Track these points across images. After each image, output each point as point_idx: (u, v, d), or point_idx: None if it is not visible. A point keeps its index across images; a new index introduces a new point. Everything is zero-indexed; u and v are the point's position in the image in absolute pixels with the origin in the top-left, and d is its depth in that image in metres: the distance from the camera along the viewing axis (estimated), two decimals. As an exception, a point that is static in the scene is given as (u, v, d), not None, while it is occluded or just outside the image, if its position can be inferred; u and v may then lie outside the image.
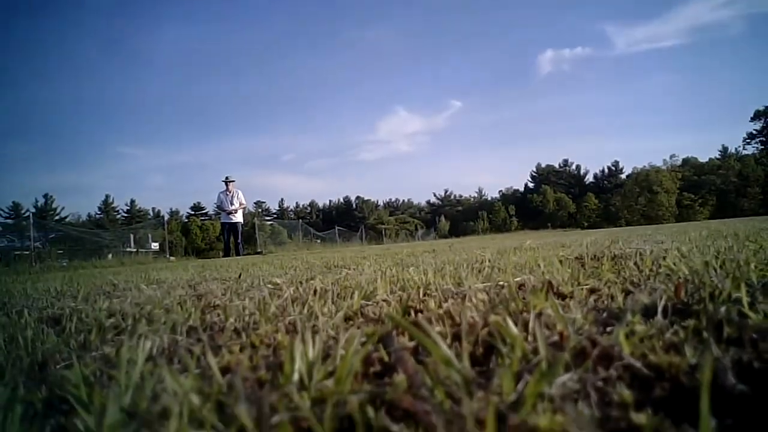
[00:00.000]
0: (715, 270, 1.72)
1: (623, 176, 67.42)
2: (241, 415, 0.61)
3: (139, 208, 63.56)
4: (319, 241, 31.94)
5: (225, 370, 0.97)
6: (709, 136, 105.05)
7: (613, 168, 69.48)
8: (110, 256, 17.58)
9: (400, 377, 0.81)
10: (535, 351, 0.91)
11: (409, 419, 0.67)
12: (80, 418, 0.70)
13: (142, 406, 0.67)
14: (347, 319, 1.46)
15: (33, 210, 48.07)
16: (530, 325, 1.03)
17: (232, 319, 1.57)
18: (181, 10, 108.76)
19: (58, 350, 1.25)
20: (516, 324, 1.01)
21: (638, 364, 0.84)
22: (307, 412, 0.67)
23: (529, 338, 1.01)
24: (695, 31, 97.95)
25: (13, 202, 53.82)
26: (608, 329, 1.10)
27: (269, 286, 2.64)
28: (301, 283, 2.65)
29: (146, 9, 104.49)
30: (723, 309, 1.16)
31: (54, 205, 55.89)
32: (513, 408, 0.67)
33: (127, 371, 0.85)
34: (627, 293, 1.53)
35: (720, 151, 65.46)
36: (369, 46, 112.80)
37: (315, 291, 2.01)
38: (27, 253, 15.87)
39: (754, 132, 64.19)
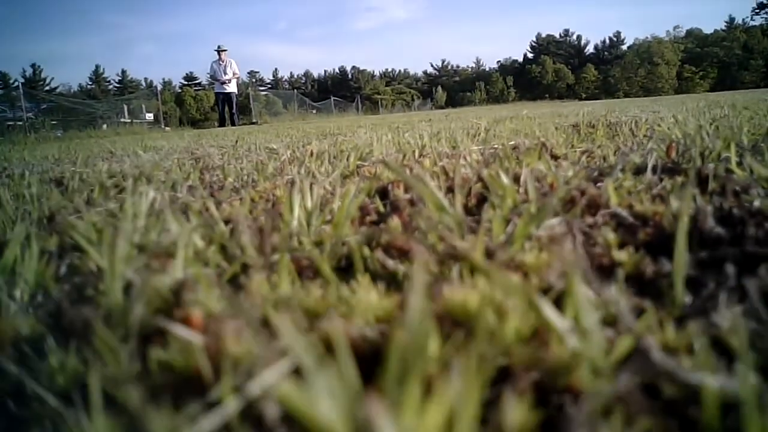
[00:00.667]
0: (708, 134, 1.73)
1: (624, 48, 65.44)
2: (245, 249, 0.65)
3: (131, 78, 61.99)
4: (314, 111, 31.50)
5: (226, 222, 1.00)
6: (717, 7, 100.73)
7: (615, 39, 67.22)
8: (105, 126, 17.39)
9: (395, 222, 0.85)
10: (526, 201, 0.94)
11: (404, 257, 0.71)
12: (92, 259, 0.74)
13: (149, 246, 0.71)
14: (344, 177, 1.49)
15: (21, 80, 46.86)
16: (522, 178, 1.06)
17: (230, 179, 1.60)
18: None
19: (63, 206, 1.28)
20: (508, 178, 1.04)
21: (624, 213, 0.88)
22: (307, 250, 0.70)
23: (521, 191, 1.04)
24: None
25: (0, 72, 52.42)
26: (598, 184, 1.13)
27: (266, 150, 2.66)
28: (297, 147, 2.67)
29: None
30: (711, 166, 1.18)
31: (42, 75, 54.47)
32: (502, 247, 0.71)
33: (132, 221, 0.89)
34: (621, 155, 1.55)
35: (726, 22, 63.08)
36: None
37: (312, 153, 2.03)
38: (20, 123, 15.67)
39: (765, 1, 61.55)
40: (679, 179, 1.12)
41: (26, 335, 0.50)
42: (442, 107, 47.97)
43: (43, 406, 0.41)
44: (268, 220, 0.87)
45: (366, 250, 0.72)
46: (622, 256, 0.69)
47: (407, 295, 0.32)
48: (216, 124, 17.40)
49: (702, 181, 1.09)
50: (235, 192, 1.38)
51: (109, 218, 1.05)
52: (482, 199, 1.03)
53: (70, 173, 2.06)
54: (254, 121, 19.62)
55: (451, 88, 66.39)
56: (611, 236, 0.76)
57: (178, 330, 0.41)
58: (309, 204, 0.92)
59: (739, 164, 1.21)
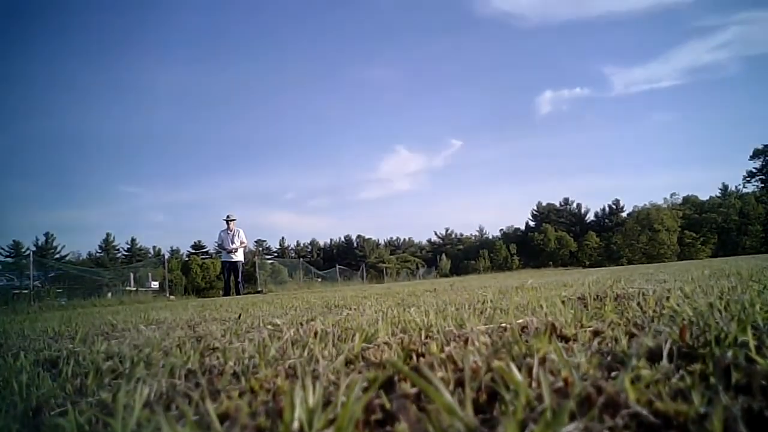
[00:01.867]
0: (720, 312, 1.71)
1: (624, 214, 67.58)
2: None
3: (140, 246, 63.57)
4: (319, 280, 31.82)
5: (223, 417, 0.95)
6: (710, 175, 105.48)
7: (614, 206, 69.69)
8: (110, 294, 17.49)
9: (402, 426, 0.79)
10: (540, 398, 0.89)
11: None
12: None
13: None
14: (348, 362, 1.44)
15: (33, 248, 48.00)
16: (534, 370, 1.01)
17: (231, 363, 1.55)
18: (184, 47, 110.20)
19: (53, 395, 1.23)
20: (519, 369, 1.00)
21: (645, 412, 0.82)
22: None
23: (533, 384, 0.99)
24: (693, 72, 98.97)
25: (14, 241, 53.81)
26: (613, 374, 1.08)
27: (269, 327, 2.62)
28: (301, 324, 2.63)
29: (150, 47, 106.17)
30: (729, 353, 1.14)
31: (54, 243, 55.94)
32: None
33: (123, 418, 0.84)
34: (631, 336, 1.51)
35: (720, 189, 65.81)
36: (371, 86, 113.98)
37: (315, 333, 1.99)
38: (26, 291, 15.81)
39: (754, 170, 64.60)
40: (698, 367, 1.08)
41: None
42: (446, 275, 48.48)
43: None
44: (267, 422, 0.82)
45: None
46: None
47: None
48: (221, 292, 17.47)
49: (722, 372, 1.04)
50: (235, 379, 1.33)
51: (100, 413, 1.00)
52: (493, 394, 0.97)
53: (67, 352, 2.01)
54: (259, 289, 19.77)
55: (455, 255, 67.67)
56: (635, 443, 0.71)
57: None
58: (311, 401, 0.87)
59: (758, 349, 1.17)
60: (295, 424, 0.81)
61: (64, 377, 1.47)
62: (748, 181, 64.77)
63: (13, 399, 1.18)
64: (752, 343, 1.18)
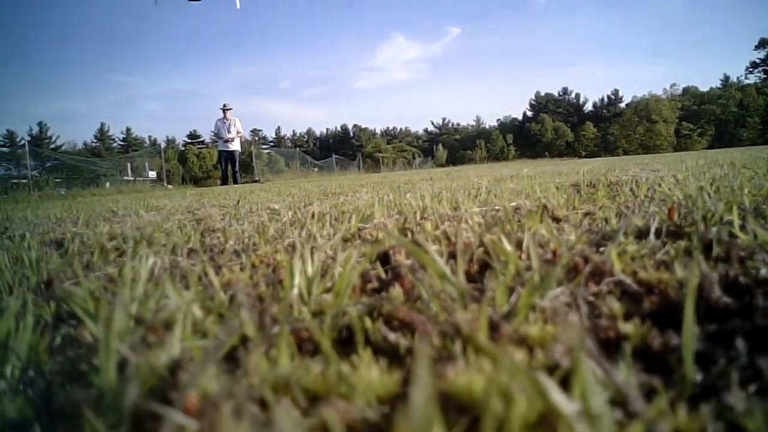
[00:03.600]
0: (709, 195, 1.74)
1: (622, 105, 66.62)
2: (244, 322, 0.63)
3: (135, 136, 62.98)
4: (316, 169, 31.82)
5: (225, 287, 0.99)
6: (712, 65, 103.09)
7: (613, 97, 68.55)
8: (108, 184, 17.53)
9: (396, 290, 0.83)
10: (529, 268, 0.93)
11: (406, 329, 0.70)
12: (88, 329, 0.72)
13: (146, 317, 0.70)
14: (345, 240, 1.48)
15: (28, 138, 47.55)
16: (524, 243, 1.05)
17: (231, 242, 1.59)
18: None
19: (62, 270, 1.27)
20: (510, 243, 1.03)
21: (629, 280, 0.86)
22: (307, 321, 0.69)
23: (523, 256, 1.03)
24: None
25: (8, 130, 53.23)
26: (601, 249, 1.12)
27: (267, 211, 2.66)
28: (299, 208, 2.67)
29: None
30: (714, 230, 1.18)
31: (49, 134, 55.33)
32: (505, 318, 0.69)
33: (130, 288, 0.88)
34: (622, 217, 1.54)
35: (721, 80, 64.43)
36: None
37: (313, 215, 2.03)
38: (24, 181, 15.82)
39: (758, 61, 62.92)
40: (683, 244, 1.11)
41: (12, 419, 0.48)
42: (443, 165, 48.49)
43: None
44: (268, 286, 0.86)
45: (367, 322, 0.70)
46: (628, 328, 0.67)
47: (411, 387, 0.30)
48: (218, 182, 17.54)
49: (706, 247, 1.08)
50: (235, 255, 1.38)
51: (108, 284, 1.04)
52: (484, 265, 1.02)
53: (71, 234, 2.05)
54: (256, 179, 19.80)
55: (452, 146, 67.29)
56: (616, 306, 0.75)
57: (173, 415, 0.40)
58: (310, 271, 0.91)
59: (742, 227, 1.20)
60: (295, 291, 0.85)
61: (71, 255, 1.51)
62: (751, 72, 63.20)
63: (25, 273, 1.23)
64: (737, 222, 1.21)
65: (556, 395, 0.41)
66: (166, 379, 0.52)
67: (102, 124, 62.54)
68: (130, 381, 0.45)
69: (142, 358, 0.51)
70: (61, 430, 0.44)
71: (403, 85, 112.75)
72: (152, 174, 23.50)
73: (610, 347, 0.65)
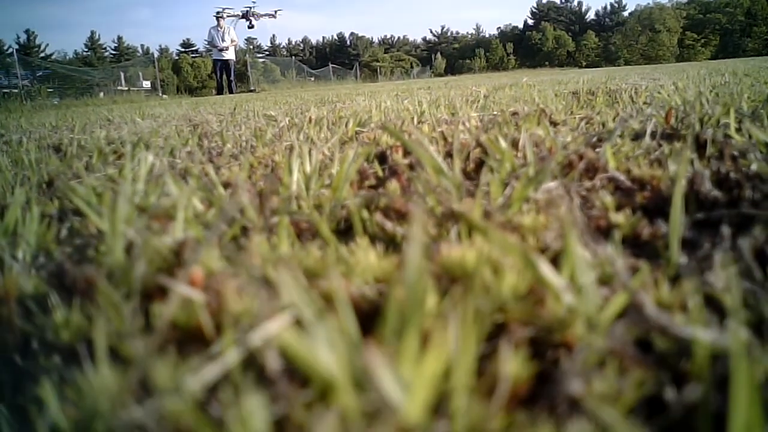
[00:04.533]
0: (708, 100, 1.73)
1: (626, 14, 64.57)
2: (245, 208, 0.65)
3: (127, 45, 61.22)
4: (312, 78, 31.17)
5: (225, 186, 1.01)
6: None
7: (616, 5, 66.26)
8: (101, 94, 17.21)
9: (393, 185, 0.85)
10: (524, 166, 0.94)
11: (402, 219, 0.72)
12: (92, 222, 0.74)
13: (149, 207, 0.72)
14: (343, 143, 1.49)
15: (16, 46, 46.21)
16: (520, 143, 1.06)
17: (229, 145, 1.59)
18: None
19: (62, 171, 1.28)
20: (507, 142, 1.04)
21: (622, 177, 0.88)
22: (306, 212, 0.71)
23: (519, 155, 1.04)
24: None
25: (-6, 38, 51.67)
26: (597, 150, 1.13)
27: (264, 117, 2.64)
28: (296, 115, 2.65)
29: None
30: (709, 131, 1.18)
31: (38, 42, 53.78)
32: (500, 210, 0.71)
33: (131, 184, 0.89)
34: (618, 119, 1.54)
35: (732, -15, 62.24)
36: None
37: (310, 120, 2.02)
38: (15, 91, 15.54)
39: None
40: (678, 144, 1.12)
41: (30, 293, 0.51)
42: (441, 75, 47.50)
43: (48, 361, 0.41)
44: (267, 183, 0.88)
45: (365, 213, 0.72)
46: (618, 218, 0.69)
47: (405, 252, 0.32)
48: (214, 91, 17.26)
49: (700, 146, 1.09)
50: (233, 158, 1.38)
51: (108, 183, 1.06)
52: (481, 164, 1.03)
53: (68, 140, 2.05)
54: (252, 88, 19.46)
55: (451, 55, 65.65)
56: (608, 199, 0.77)
57: (180, 287, 0.42)
58: (308, 168, 0.92)
59: (738, 130, 1.20)
60: (294, 187, 0.86)
61: (70, 157, 1.52)
62: (764, -23, 60.91)
63: (25, 173, 1.24)
64: (733, 125, 1.21)
65: (545, 269, 0.43)
66: (170, 260, 0.54)
67: (92, 32, 60.68)
68: (137, 258, 0.48)
69: (147, 239, 0.53)
70: (75, 301, 0.46)
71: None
72: (146, 84, 23.04)
73: (601, 235, 0.67)
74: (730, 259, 0.55)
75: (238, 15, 14.66)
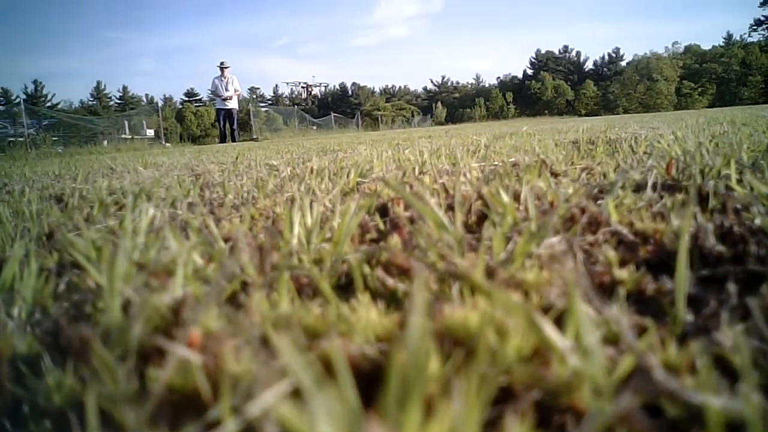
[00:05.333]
0: (708, 150, 1.74)
1: (623, 63, 65.76)
2: (244, 265, 0.64)
3: (132, 94, 62.29)
4: (315, 127, 31.57)
5: (225, 239, 1.00)
6: (715, 23, 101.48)
7: (614, 54, 67.58)
8: (105, 142, 17.41)
9: (395, 240, 0.84)
10: (526, 220, 0.94)
11: (404, 275, 0.71)
12: (91, 276, 0.74)
13: (148, 263, 0.71)
14: (344, 194, 1.49)
15: (23, 96, 47.01)
16: (522, 195, 1.06)
17: (230, 196, 1.60)
18: None
19: (63, 223, 1.28)
20: (508, 195, 1.04)
21: (625, 230, 0.87)
22: (307, 267, 0.70)
23: (521, 208, 1.04)
24: None
25: (2, 88, 52.54)
26: (598, 202, 1.13)
27: (266, 167, 2.66)
28: (297, 164, 2.67)
29: None
30: (711, 183, 1.18)
31: (44, 92, 54.68)
32: (502, 265, 0.70)
33: (131, 238, 0.89)
34: (619, 171, 1.55)
35: (724, 38, 63.36)
36: None
37: (312, 170, 2.03)
38: (21, 139, 15.74)
39: (762, 18, 61.72)
40: (680, 197, 1.12)
41: (23, 353, 0.50)
42: (441, 123, 48.10)
43: (39, 427, 0.40)
44: (267, 237, 0.87)
45: (366, 268, 0.71)
46: (623, 274, 0.68)
47: (407, 313, 0.31)
48: (216, 140, 17.46)
49: (702, 199, 1.09)
50: (235, 209, 1.38)
51: (108, 235, 1.05)
52: (482, 217, 1.03)
53: (70, 190, 2.06)
54: (254, 137, 19.67)
55: (451, 104, 66.61)
56: (612, 254, 0.76)
57: (177, 349, 0.41)
58: (309, 221, 0.92)
59: (740, 181, 1.21)
60: (294, 241, 0.86)
61: (71, 208, 1.52)
62: (755, 30, 61.87)
63: (26, 225, 1.23)
64: (734, 176, 1.22)
65: (550, 330, 0.42)
66: (168, 319, 0.53)
67: (98, 82, 61.80)
68: (135, 318, 0.47)
69: (145, 298, 0.52)
70: (69, 362, 0.45)
71: (403, 41, 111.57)
72: (150, 132, 23.34)
73: (605, 292, 0.66)
74: (738, 317, 0.54)
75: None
